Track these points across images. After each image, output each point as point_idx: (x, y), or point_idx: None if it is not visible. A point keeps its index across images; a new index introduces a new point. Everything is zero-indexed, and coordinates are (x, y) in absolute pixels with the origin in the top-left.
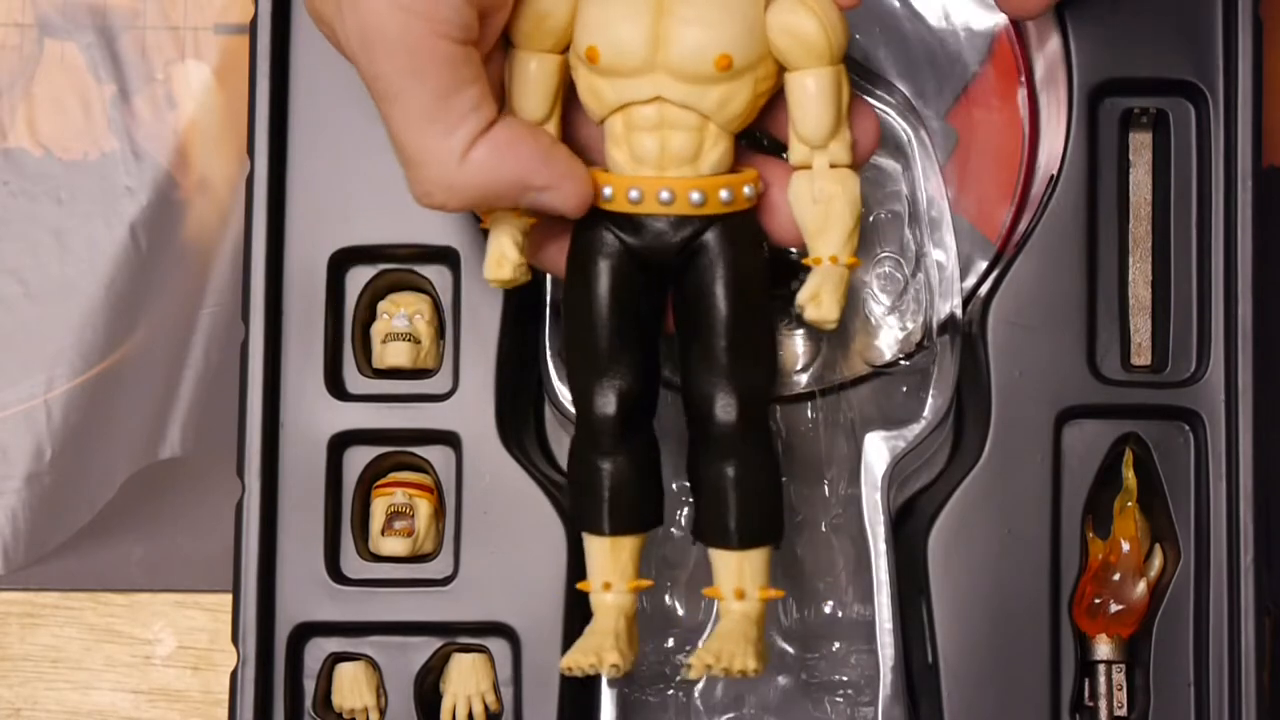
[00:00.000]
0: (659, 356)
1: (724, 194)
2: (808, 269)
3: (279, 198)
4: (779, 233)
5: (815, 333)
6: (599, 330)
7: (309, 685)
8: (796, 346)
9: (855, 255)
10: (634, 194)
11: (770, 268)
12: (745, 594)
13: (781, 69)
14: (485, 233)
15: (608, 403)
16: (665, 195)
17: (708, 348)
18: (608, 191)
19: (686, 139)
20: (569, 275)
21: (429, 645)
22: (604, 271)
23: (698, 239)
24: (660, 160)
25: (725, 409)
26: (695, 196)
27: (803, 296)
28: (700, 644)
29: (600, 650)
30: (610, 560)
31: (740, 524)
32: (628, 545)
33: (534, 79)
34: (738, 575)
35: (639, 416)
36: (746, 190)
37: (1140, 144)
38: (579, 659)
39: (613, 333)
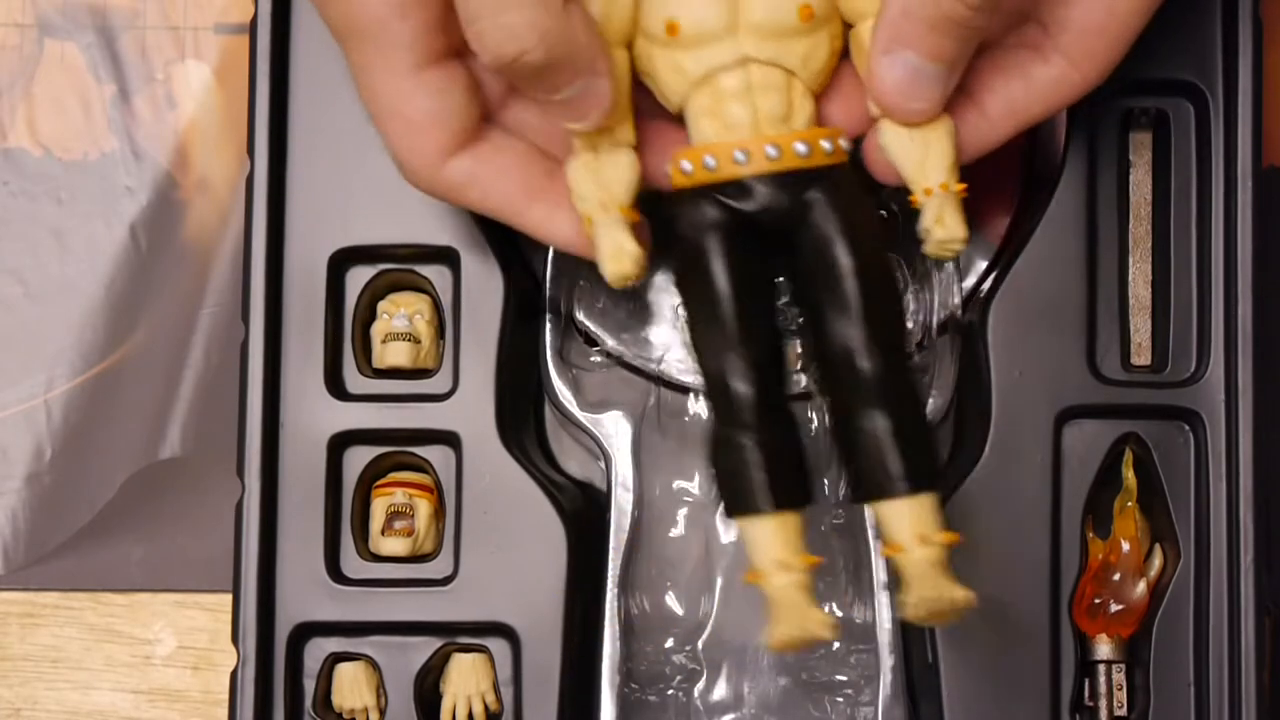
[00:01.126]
0: (781, 331)
1: (825, 145)
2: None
3: (279, 198)
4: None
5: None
6: (724, 306)
7: (309, 685)
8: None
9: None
10: (739, 155)
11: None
12: (928, 538)
13: (846, 27)
14: (485, 228)
15: (747, 379)
16: (772, 151)
17: (841, 298)
18: (710, 161)
19: (777, 100)
20: (681, 257)
21: (429, 645)
22: (718, 246)
23: (807, 193)
24: (754, 124)
25: (870, 356)
26: (801, 148)
27: (927, 220)
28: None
29: (801, 621)
30: (779, 538)
31: (908, 468)
32: (792, 521)
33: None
34: (915, 520)
35: (776, 389)
36: (843, 143)
37: (1140, 144)
38: (791, 632)
39: (739, 307)
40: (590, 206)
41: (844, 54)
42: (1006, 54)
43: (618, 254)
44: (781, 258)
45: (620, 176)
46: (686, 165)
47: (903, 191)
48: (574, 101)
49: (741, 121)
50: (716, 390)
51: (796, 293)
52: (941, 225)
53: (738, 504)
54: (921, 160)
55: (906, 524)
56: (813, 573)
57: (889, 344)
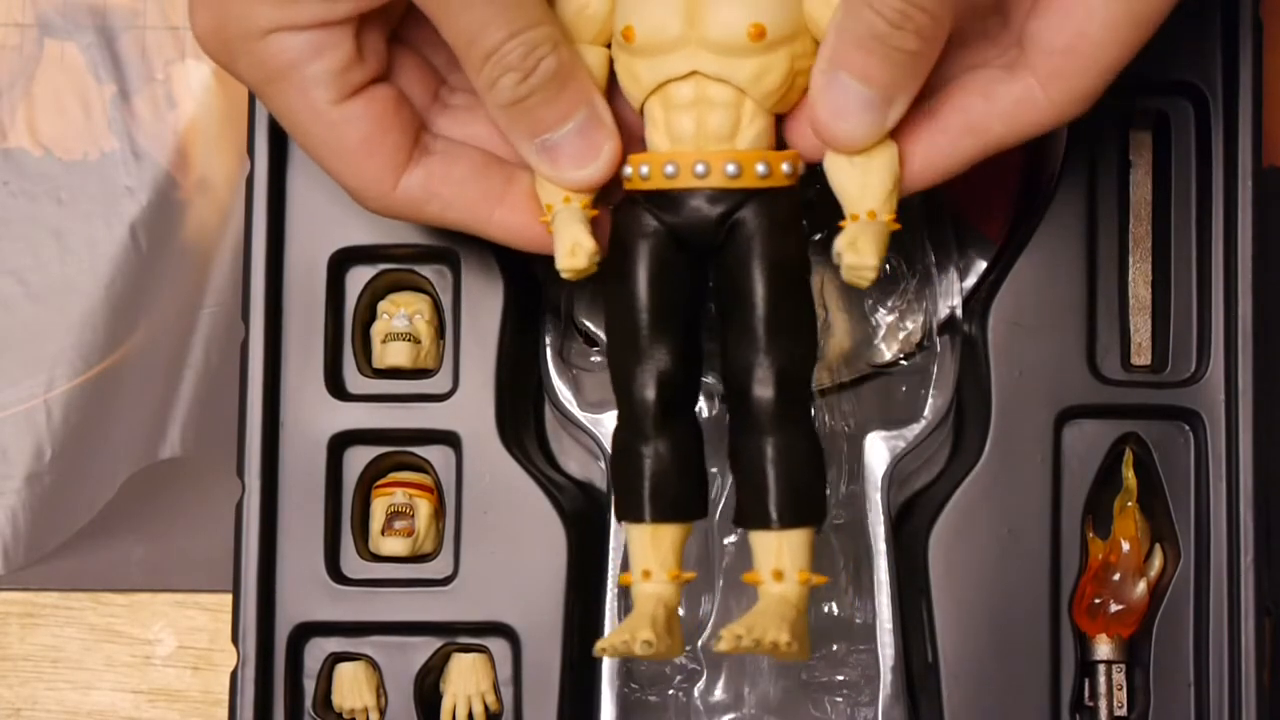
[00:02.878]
0: (701, 343)
1: (760, 167)
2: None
3: (279, 198)
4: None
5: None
6: (639, 313)
7: (309, 685)
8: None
9: (896, 218)
10: (669, 169)
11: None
12: (784, 575)
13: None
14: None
15: (648, 388)
16: (700, 168)
17: (745, 324)
18: (645, 170)
19: (723, 116)
20: (609, 258)
21: (429, 645)
22: (643, 253)
23: (734, 214)
24: (697, 138)
25: (763, 385)
26: (730, 168)
27: (840, 243)
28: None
29: (634, 630)
30: (650, 549)
31: (779, 503)
32: (668, 534)
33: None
34: (775, 556)
35: (681, 402)
36: (784, 167)
37: (1140, 144)
38: (612, 640)
39: (653, 316)
40: (553, 196)
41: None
42: (976, 72)
43: (574, 249)
44: (707, 275)
45: None
46: (627, 170)
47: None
48: (571, 143)
49: (686, 134)
50: (621, 395)
51: (716, 311)
52: (854, 250)
53: (623, 509)
54: (860, 187)
55: (769, 557)
56: (678, 585)
57: (787, 378)
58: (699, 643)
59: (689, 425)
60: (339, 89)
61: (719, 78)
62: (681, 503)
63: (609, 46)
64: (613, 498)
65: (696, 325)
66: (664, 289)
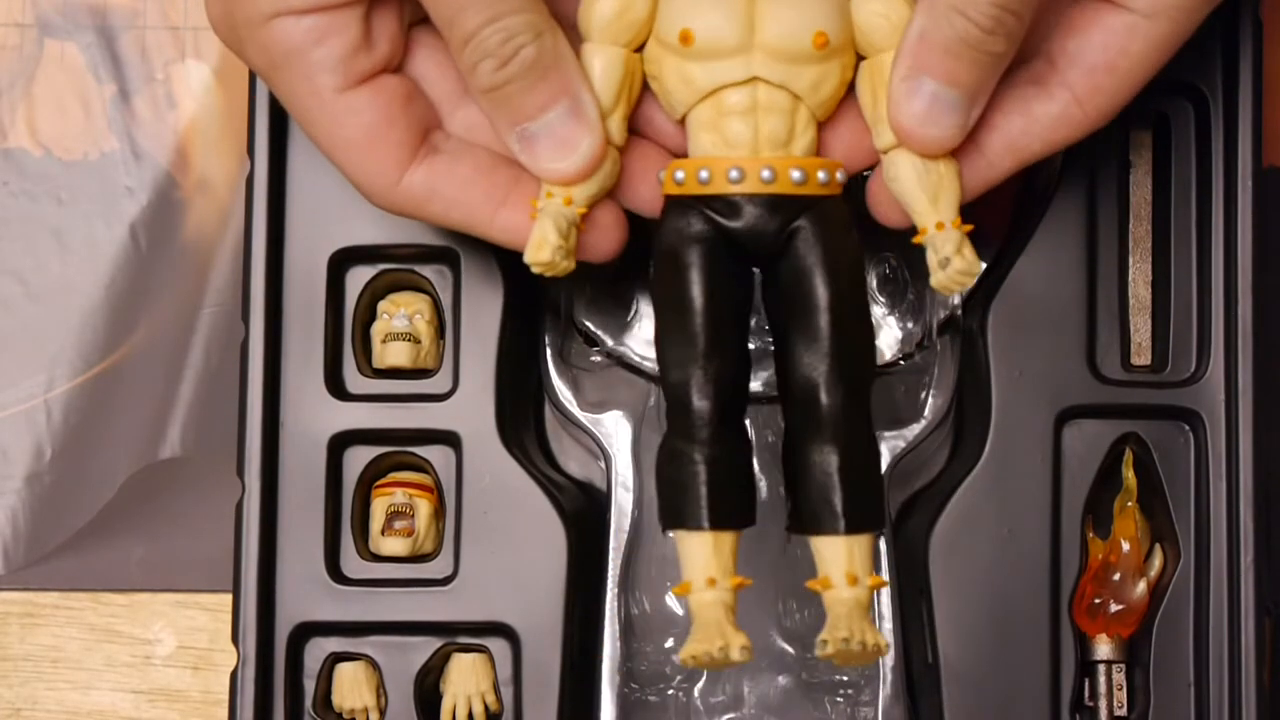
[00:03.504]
0: (749, 352)
1: (821, 175)
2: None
3: (279, 198)
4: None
5: None
6: (697, 320)
7: (309, 685)
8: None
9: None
10: (734, 174)
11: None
12: (858, 579)
13: (859, 59)
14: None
15: (708, 394)
16: (767, 174)
17: (812, 330)
18: (704, 174)
19: (779, 122)
20: (659, 264)
21: (429, 645)
22: (699, 259)
23: (795, 221)
24: (754, 144)
25: (831, 391)
26: (796, 175)
27: (947, 251)
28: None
29: (727, 637)
30: (713, 556)
31: (849, 507)
32: (728, 541)
33: (600, 76)
34: (848, 560)
35: (736, 409)
36: (839, 175)
37: (1140, 144)
38: (704, 648)
39: (712, 322)
40: (543, 189)
41: (852, 86)
42: (1009, 89)
43: (540, 243)
44: (759, 281)
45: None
46: (680, 175)
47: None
48: (549, 135)
49: (742, 140)
50: (676, 402)
51: (770, 318)
52: (962, 257)
53: (678, 518)
54: (935, 194)
55: (840, 563)
56: (737, 594)
57: (853, 383)
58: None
59: (743, 431)
60: (344, 76)
61: (780, 84)
62: (740, 509)
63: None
64: (660, 505)
65: (746, 333)
66: (722, 295)
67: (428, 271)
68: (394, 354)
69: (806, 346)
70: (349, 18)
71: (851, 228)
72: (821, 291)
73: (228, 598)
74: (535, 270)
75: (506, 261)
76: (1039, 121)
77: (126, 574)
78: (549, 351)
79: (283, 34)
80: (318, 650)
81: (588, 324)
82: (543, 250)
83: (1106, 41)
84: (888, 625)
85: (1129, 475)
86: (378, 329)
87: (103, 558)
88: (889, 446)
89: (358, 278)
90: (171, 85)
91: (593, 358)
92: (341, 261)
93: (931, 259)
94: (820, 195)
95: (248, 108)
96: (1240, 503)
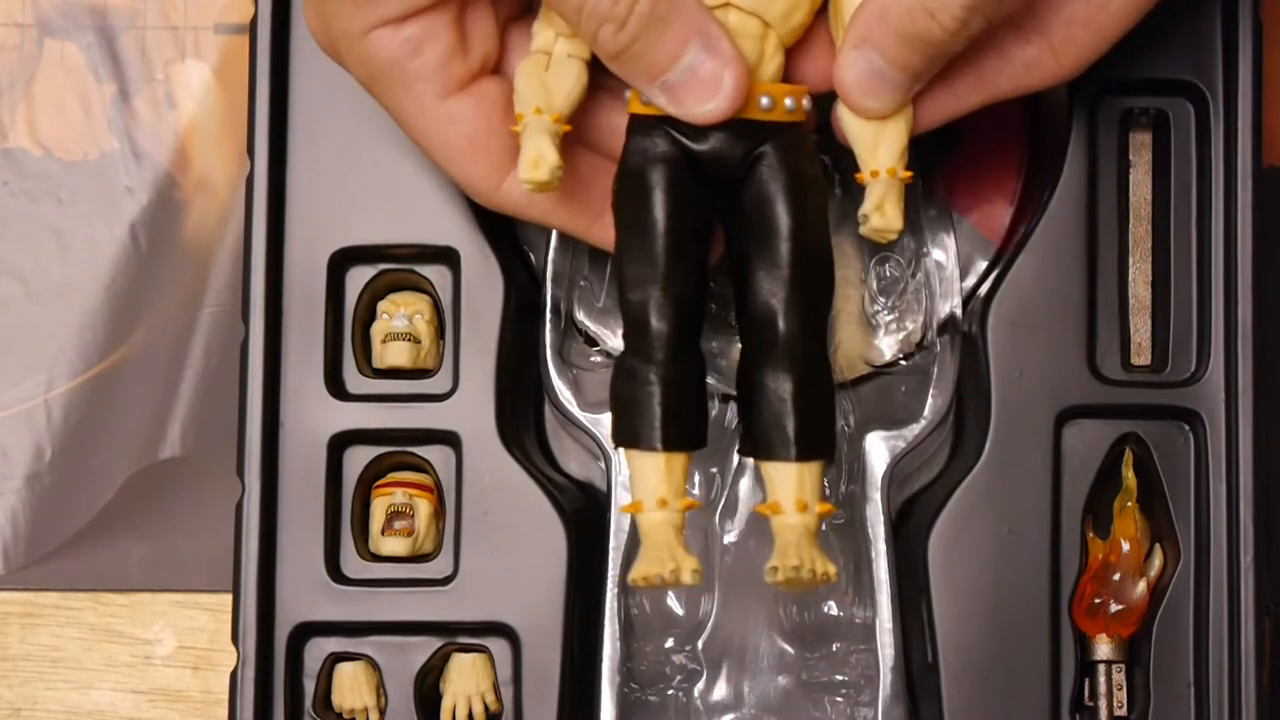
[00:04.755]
0: (708, 275)
1: (789, 102)
2: None
3: (279, 198)
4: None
5: None
6: (659, 240)
7: (309, 685)
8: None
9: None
10: None
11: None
12: (808, 506)
13: None
14: (485, 228)
15: (666, 315)
16: None
17: (772, 256)
18: None
19: (749, 48)
20: (622, 182)
21: (429, 645)
22: (663, 179)
23: (760, 147)
24: None
25: (789, 318)
26: (765, 101)
27: (867, 207)
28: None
29: (677, 559)
30: (665, 477)
31: (801, 434)
32: (680, 462)
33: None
34: (798, 486)
35: (692, 331)
36: (805, 102)
37: (1140, 144)
38: (655, 568)
39: (673, 243)
40: (525, 107)
41: (821, 10)
42: (987, 29)
43: (536, 161)
44: (721, 205)
45: (564, 86)
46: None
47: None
48: (690, 80)
49: None
50: (634, 322)
51: (730, 242)
52: (880, 213)
53: (630, 436)
54: (874, 143)
55: (791, 488)
56: (686, 515)
57: (811, 311)
58: (699, 643)
59: (698, 354)
60: (443, 83)
61: (752, 11)
62: (693, 431)
63: None
64: (614, 422)
65: (706, 257)
66: (685, 217)
67: (428, 271)
68: (394, 354)
69: (767, 273)
70: (442, 24)
71: (816, 156)
72: (784, 218)
73: (228, 598)
74: (529, 189)
75: (506, 261)
76: (1012, 62)
77: (126, 574)
78: (549, 351)
79: (379, 47)
80: (318, 650)
81: (588, 324)
82: (540, 169)
83: None
84: (887, 625)
85: (1129, 475)
86: (378, 329)
87: (103, 558)
88: (889, 446)
89: (358, 278)
90: (171, 85)
91: (593, 358)
92: (341, 261)
93: (864, 205)
94: (786, 122)
95: (248, 108)
96: (1240, 503)
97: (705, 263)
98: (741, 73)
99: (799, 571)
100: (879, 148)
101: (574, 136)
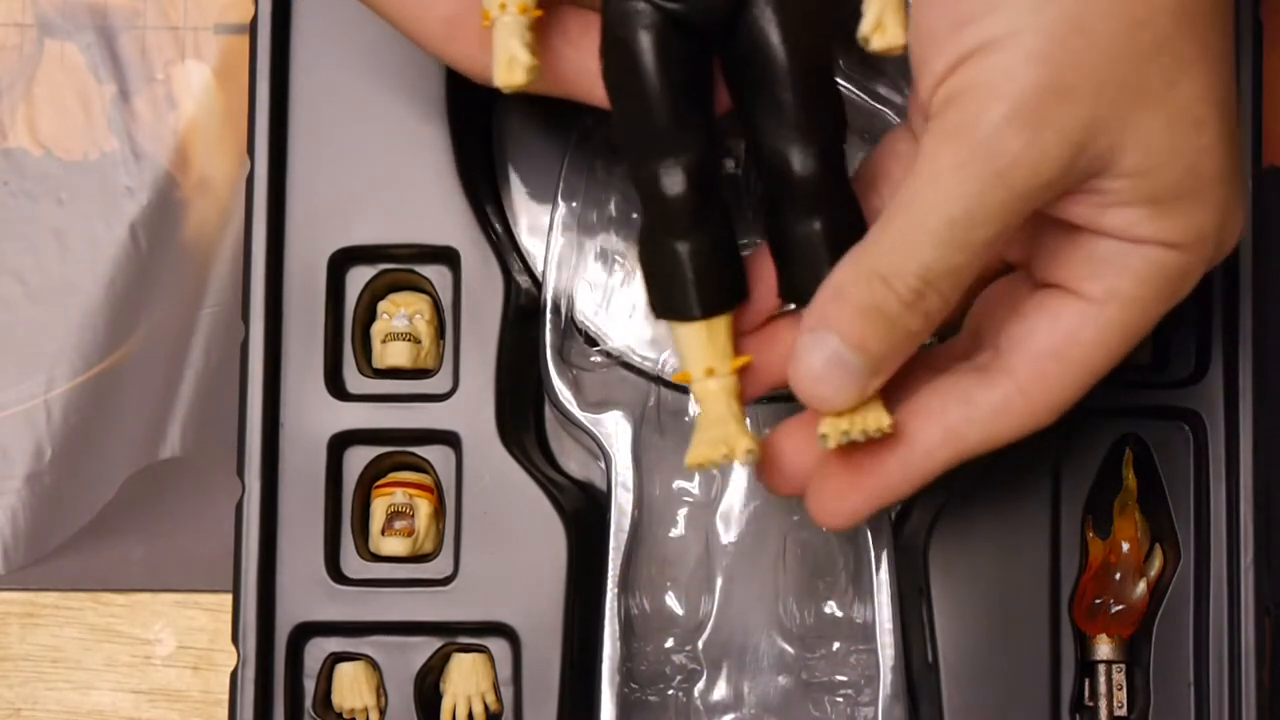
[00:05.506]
0: (716, 128)
1: None
2: None
3: (279, 198)
4: None
5: None
6: (657, 108)
7: (309, 685)
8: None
9: None
10: None
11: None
12: None
13: None
14: (485, 228)
15: (677, 181)
16: None
17: (775, 102)
18: None
19: None
20: (607, 55)
21: (429, 645)
22: (649, 45)
23: None
24: None
25: (805, 162)
26: None
27: (865, 28)
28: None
29: (730, 439)
30: (708, 344)
31: None
32: (722, 325)
33: None
34: None
35: (710, 189)
36: None
37: None
38: (707, 453)
39: (669, 105)
40: (490, 3)
41: None
42: (951, 378)
43: (510, 64)
44: (716, 55)
45: None
46: None
47: None
48: None
49: None
50: (648, 196)
51: (733, 91)
52: (881, 33)
53: (667, 309)
54: None
55: None
56: (740, 375)
57: (825, 149)
58: (699, 643)
59: (721, 211)
60: None
61: None
62: (729, 290)
63: None
64: (648, 293)
65: (710, 111)
66: (678, 77)
67: (428, 271)
68: (394, 354)
69: (773, 119)
70: None
71: None
72: (781, 59)
73: (228, 598)
74: (505, 91)
75: (506, 261)
76: (980, 409)
77: (126, 574)
78: (549, 351)
79: None
80: (318, 650)
81: (588, 324)
82: (515, 72)
83: (1054, 327)
84: (887, 625)
85: (1129, 475)
86: (378, 329)
87: (103, 558)
88: None
89: (358, 278)
90: (171, 85)
91: (593, 358)
92: (341, 261)
93: (862, 27)
94: None
95: (248, 108)
96: (1240, 503)
97: (711, 118)
98: None
99: (849, 433)
100: None
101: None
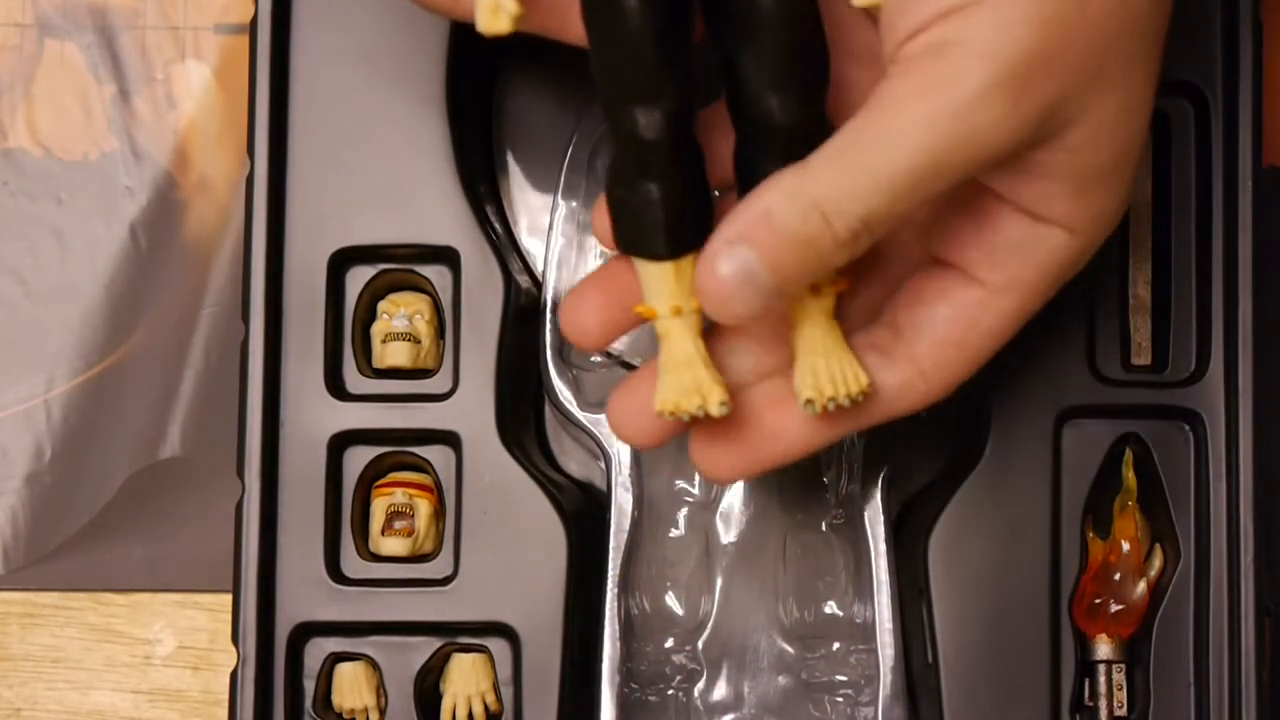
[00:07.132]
0: (692, 70)
1: None
2: None
3: (279, 198)
4: None
5: None
6: (635, 47)
7: (309, 685)
8: None
9: None
10: None
11: None
12: (820, 287)
13: None
14: (485, 228)
15: (656, 125)
16: None
17: (759, 46)
18: None
19: None
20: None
21: (429, 645)
22: None
23: None
24: None
25: (786, 109)
26: None
27: None
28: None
29: (702, 387)
30: (675, 283)
31: None
32: (689, 264)
33: None
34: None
35: (685, 130)
36: None
37: None
38: (680, 400)
39: (650, 48)
40: None
41: None
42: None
43: (494, 10)
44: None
45: None
46: None
47: None
48: None
49: None
50: (620, 134)
51: (712, 28)
52: None
53: (635, 246)
54: None
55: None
56: (703, 317)
57: (807, 95)
58: (699, 643)
59: (693, 151)
60: None
61: None
62: (698, 229)
63: None
64: (613, 227)
65: (688, 47)
66: (660, 20)
67: (428, 271)
68: (394, 354)
69: (755, 62)
70: None
71: None
72: (766, 5)
73: (228, 598)
74: (489, 36)
75: (506, 261)
76: (881, 391)
77: (126, 574)
78: (549, 351)
79: None
80: (318, 650)
81: None
82: (499, 19)
83: (956, 315)
84: (887, 625)
85: (1129, 475)
86: (378, 329)
87: (103, 558)
88: (889, 447)
89: (358, 278)
90: (171, 85)
91: (593, 358)
92: (341, 261)
93: None
94: None
95: (248, 108)
96: (1240, 503)
97: (688, 56)
98: None
99: (835, 399)
100: None
101: None
